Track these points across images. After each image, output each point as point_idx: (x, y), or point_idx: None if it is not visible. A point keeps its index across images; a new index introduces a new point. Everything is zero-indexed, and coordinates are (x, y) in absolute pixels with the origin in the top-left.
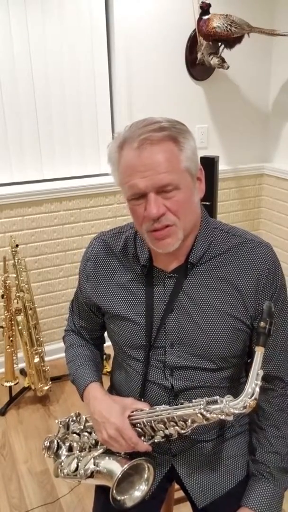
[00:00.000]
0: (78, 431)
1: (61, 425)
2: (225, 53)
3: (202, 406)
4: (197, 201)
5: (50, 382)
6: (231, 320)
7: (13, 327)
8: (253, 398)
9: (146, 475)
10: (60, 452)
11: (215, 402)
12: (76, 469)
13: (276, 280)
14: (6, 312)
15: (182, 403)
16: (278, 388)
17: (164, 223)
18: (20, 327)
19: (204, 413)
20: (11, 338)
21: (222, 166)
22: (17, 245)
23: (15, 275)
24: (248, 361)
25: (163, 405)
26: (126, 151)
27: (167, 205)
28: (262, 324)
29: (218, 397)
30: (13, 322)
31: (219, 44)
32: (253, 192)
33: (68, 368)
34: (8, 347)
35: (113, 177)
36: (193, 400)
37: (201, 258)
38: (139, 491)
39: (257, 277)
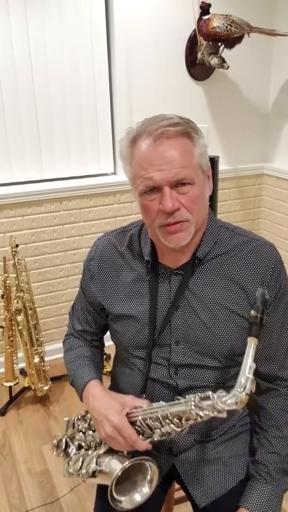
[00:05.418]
0: (83, 430)
1: (69, 424)
2: (225, 53)
3: (194, 403)
4: (207, 198)
5: (50, 382)
6: (236, 318)
7: (13, 327)
8: (244, 393)
9: (149, 476)
10: (69, 450)
11: (208, 398)
12: (80, 467)
13: (280, 280)
14: (6, 312)
15: (178, 399)
16: (281, 388)
17: (177, 218)
18: (20, 327)
19: (197, 410)
20: (11, 338)
21: (222, 166)
22: (17, 245)
23: (15, 275)
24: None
25: (160, 402)
26: (141, 145)
27: (182, 201)
28: (253, 313)
29: (210, 392)
30: (13, 322)
31: (219, 44)
32: (253, 192)
33: (67, 370)
34: (8, 347)
35: (125, 171)
36: (187, 396)
37: (207, 255)
38: (141, 494)
39: (262, 276)
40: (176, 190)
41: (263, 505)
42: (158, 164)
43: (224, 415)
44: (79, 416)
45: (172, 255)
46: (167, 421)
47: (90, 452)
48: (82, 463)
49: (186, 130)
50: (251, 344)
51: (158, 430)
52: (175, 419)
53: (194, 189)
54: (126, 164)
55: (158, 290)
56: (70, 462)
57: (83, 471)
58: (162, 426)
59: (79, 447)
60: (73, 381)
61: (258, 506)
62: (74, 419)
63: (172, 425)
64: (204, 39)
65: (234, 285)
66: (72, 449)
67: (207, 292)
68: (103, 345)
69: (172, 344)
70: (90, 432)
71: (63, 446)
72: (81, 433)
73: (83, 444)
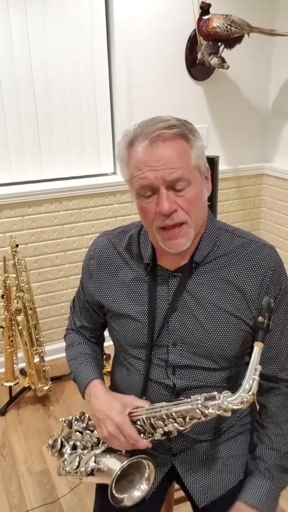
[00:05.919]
0: (81, 430)
1: (65, 424)
2: (225, 53)
3: (200, 402)
4: (206, 199)
5: (50, 382)
6: (234, 320)
7: (13, 327)
8: (250, 393)
9: (146, 474)
10: (64, 450)
11: (213, 398)
12: (78, 466)
13: (280, 282)
14: (6, 312)
15: (181, 399)
16: (282, 387)
17: (175, 220)
18: (20, 327)
19: (202, 409)
20: (11, 338)
21: (222, 166)
22: (17, 245)
23: (15, 275)
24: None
25: (163, 402)
26: (137, 148)
27: (179, 203)
28: (260, 319)
29: (216, 393)
30: (13, 322)
31: (219, 44)
32: (253, 192)
33: (69, 366)
34: (8, 347)
35: (122, 174)
36: (192, 396)
37: (206, 258)
38: (139, 490)
39: (261, 279)
40: (173, 191)
41: (260, 500)
42: (154, 166)
43: (229, 414)
44: (77, 417)
45: (171, 257)
46: (171, 419)
47: (86, 451)
48: (80, 462)
49: (183, 132)
50: (257, 348)
51: (161, 429)
52: (179, 418)
53: (191, 190)
54: (123, 167)
55: (156, 292)
56: (65, 461)
57: (82, 469)
58: (165, 425)
59: (74, 447)
60: (75, 378)
61: (255, 500)
62: (71, 419)
63: (175, 423)
64: (204, 39)
65: (233, 288)
66: (67, 449)
67: (205, 294)
68: (103, 340)
69: (170, 346)
70: (88, 432)
71: (58, 446)
72: (78, 433)
73: (78, 444)
